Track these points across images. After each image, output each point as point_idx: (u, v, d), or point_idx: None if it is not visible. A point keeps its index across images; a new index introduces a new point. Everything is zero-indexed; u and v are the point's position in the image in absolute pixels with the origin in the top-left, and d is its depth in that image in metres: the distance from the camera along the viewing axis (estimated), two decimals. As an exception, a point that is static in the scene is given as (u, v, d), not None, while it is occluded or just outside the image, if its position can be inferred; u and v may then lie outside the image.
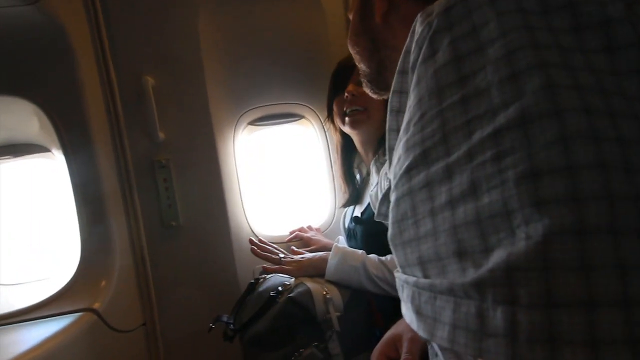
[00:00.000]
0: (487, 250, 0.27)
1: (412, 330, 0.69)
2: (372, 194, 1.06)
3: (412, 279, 0.34)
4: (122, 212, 1.24)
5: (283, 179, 1.49)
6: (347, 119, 1.12)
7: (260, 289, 1.02)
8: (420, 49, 0.35)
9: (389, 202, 0.47)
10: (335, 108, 1.17)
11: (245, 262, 1.34)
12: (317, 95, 1.35)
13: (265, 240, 1.21)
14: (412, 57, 0.36)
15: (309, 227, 1.40)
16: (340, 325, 0.88)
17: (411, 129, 0.34)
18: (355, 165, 1.32)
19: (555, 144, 0.25)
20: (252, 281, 1.09)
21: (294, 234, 1.36)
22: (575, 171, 0.24)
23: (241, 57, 1.31)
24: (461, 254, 0.28)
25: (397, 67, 0.40)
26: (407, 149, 0.34)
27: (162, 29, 1.21)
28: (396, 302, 0.97)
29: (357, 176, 1.32)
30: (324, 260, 1.00)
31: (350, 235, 1.21)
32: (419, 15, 0.37)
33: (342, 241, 1.29)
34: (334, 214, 1.44)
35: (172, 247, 1.29)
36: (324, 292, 0.90)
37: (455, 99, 0.31)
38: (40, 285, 1.27)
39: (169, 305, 1.30)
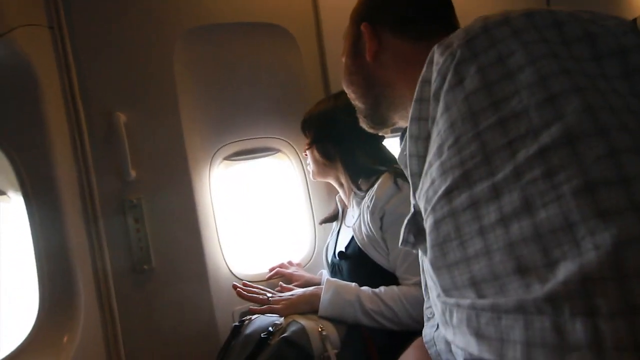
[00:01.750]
0: (551, 264, 0.27)
1: None
2: (355, 227, 1.06)
3: (465, 301, 0.33)
4: (87, 257, 1.14)
5: (261, 214, 1.45)
6: None
7: (247, 331, 0.96)
8: (444, 77, 0.36)
9: (416, 227, 0.46)
10: None
11: (224, 304, 1.26)
12: (293, 128, 1.35)
13: (249, 283, 1.16)
14: (433, 86, 0.38)
15: (290, 263, 1.36)
16: (337, 363, 0.84)
17: (445, 152, 0.35)
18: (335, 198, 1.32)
19: (606, 158, 0.27)
20: (237, 324, 1.02)
21: (274, 271, 1.31)
22: (631, 182, 0.26)
23: (217, 92, 1.31)
24: (522, 271, 0.28)
25: (415, 96, 0.41)
26: (444, 171, 0.35)
27: (135, 64, 1.18)
28: (391, 334, 0.94)
29: (339, 206, 1.31)
30: (315, 296, 0.97)
31: (335, 270, 1.18)
32: (435, 47, 0.39)
33: (324, 274, 1.26)
34: (315, 248, 1.42)
35: (144, 293, 1.20)
36: (320, 329, 0.86)
37: (492, 122, 0.32)
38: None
39: (141, 359, 1.18)
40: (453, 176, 0.34)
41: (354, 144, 1.09)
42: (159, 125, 1.22)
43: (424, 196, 0.39)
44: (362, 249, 1.02)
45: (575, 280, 0.25)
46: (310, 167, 1.22)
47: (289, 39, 1.32)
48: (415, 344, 0.73)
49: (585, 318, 0.25)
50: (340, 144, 1.12)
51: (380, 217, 0.97)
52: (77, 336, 1.06)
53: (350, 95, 0.67)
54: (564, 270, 0.26)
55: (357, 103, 0.67)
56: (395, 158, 1.11)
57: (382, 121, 0.66)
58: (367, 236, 1.01)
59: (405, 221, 0.47)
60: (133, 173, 1.18)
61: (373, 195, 1.00)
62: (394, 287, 0.93)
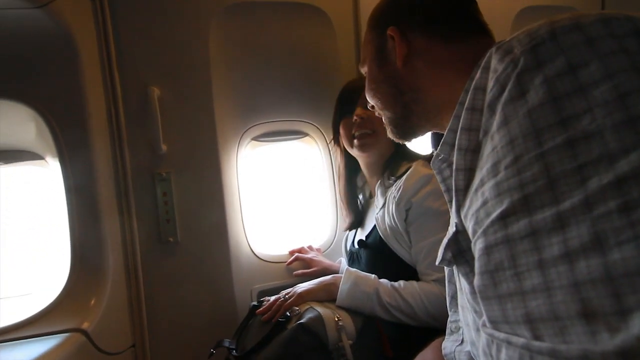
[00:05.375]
0: (624, 313, 0.24)
1: None
2: (379, 216, 1.04)
3: (518, 339, 0.31)
4: (117, 226, 1.18)
5: (285, 197, 1.46)
6: (355, 141, 1.11)
7: (265, 312, 0.98)
8: (503, 87, 0.33)
9: (457, 247, 0.44)
10: (342, 130, 1.16)
11: (244, 281, 1.29)
12: (323, 113, 1.34)
13: (263, 304, 1.05)
14: (489, 95, 0.35)
15: (309, 247, 1.37)
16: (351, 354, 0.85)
17: (502, 171, 0.32)
18: (358, 186, 1.31)
19: None
20: (255, 303, 1.04)
21: (294, 256, 1.32)
22: None
23: (249, 72, 1.30)
24: (588, 315, 0.26)
25: (466, 104, 0.38)
26: (499, 193, 0.32)
27: (172, 39, 1.19)
28: (405, 329, 0.94)
29: (360, 197, 1.30)
30: (334, 285, 0.97)
31: (353, 258, 1.18)
32: (492, 51, 0.36)
33: (343, 263, 1.26)
34: (335, 234, 1.42)
35: (168, 264, 1.24)
36: (336, 319, 0.87)
37: (559, 142, 0.29)
38: (26, 301, 1.19)
39: (160, 326, 1.23)
40: (511, 199, 0.31)
41: None
42: (192, 102, 1.23)
43: (473, 216, 0.37)
44: (384, 239, 1.01)
45: None
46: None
47: (325, 21, 1.28)
48: (434, 344, 0.73)
49: None
50: None
51: (407, 209, 0.96)
52: (104, 299, 1.11)
53: (377, 105, 0.64)
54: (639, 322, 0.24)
55: (386, 112, 0.63)
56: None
57: (413, 131, 0.63)
58: (390, 227, 0.99)
59: (446, 240, 0.45)
60: (164, 147, 1.20)
61: (401, 186, 0.97)
62: (414, 283, 0.93)
